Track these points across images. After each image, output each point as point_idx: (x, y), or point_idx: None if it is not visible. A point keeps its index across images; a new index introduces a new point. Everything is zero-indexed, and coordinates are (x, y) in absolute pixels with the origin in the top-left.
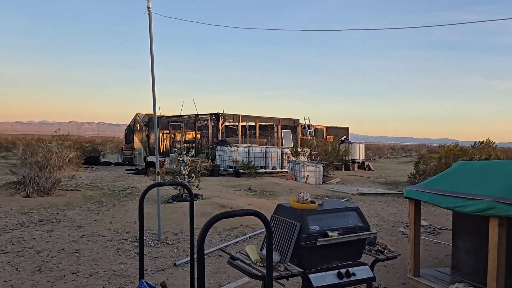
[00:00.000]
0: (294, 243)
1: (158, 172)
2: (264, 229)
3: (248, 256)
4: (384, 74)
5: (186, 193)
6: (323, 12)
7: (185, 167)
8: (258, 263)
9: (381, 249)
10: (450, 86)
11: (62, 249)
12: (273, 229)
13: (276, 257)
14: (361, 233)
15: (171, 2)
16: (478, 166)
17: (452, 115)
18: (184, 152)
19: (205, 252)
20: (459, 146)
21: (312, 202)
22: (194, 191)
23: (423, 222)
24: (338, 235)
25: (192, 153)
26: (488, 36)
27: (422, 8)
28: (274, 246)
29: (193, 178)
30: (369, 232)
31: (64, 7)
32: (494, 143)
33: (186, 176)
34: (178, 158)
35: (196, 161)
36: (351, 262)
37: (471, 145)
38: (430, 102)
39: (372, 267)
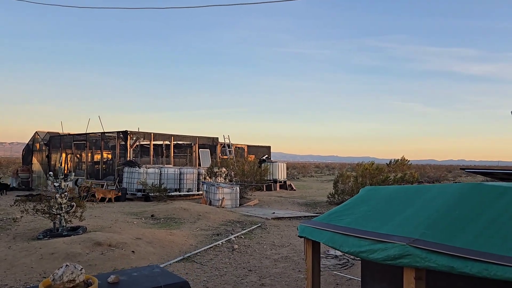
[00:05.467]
0: None
1: None
2: None
3: None
4: (309, 95)
5: (64, 226)
6: (251, 35)
7: (62, 195)
8: None
9: None
10: (371, 108)
11: None
12: None
13: None
14: None
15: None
16: (390, 192)
17: (372, 135)
18: (62, 176)
19: None
20: (375, 164)
21: (87, 284)
22: (76, 223)
23: (336, 252)
24: None
25: (72, 178)
26: (404, 62)
27: (348, 34)
28: None
29: (73, 208)
30: None
31: None
32: (408, 161)
33: (63, 205)
34: (54, 183)
35: (101, 185)
36: None
37: (387, 163)
38: (353, 122)
39: None
